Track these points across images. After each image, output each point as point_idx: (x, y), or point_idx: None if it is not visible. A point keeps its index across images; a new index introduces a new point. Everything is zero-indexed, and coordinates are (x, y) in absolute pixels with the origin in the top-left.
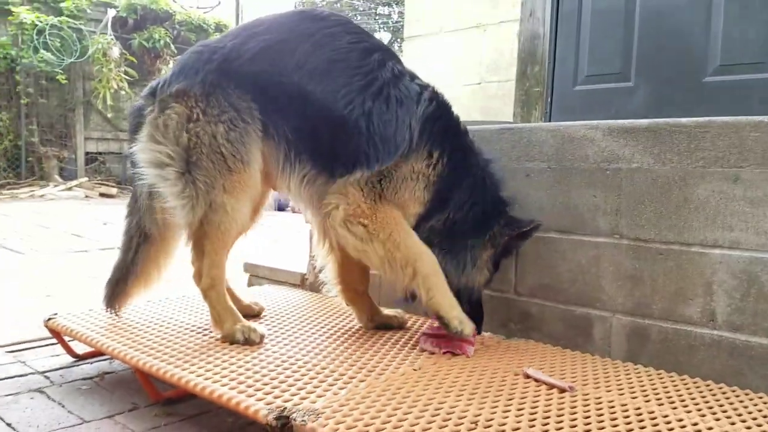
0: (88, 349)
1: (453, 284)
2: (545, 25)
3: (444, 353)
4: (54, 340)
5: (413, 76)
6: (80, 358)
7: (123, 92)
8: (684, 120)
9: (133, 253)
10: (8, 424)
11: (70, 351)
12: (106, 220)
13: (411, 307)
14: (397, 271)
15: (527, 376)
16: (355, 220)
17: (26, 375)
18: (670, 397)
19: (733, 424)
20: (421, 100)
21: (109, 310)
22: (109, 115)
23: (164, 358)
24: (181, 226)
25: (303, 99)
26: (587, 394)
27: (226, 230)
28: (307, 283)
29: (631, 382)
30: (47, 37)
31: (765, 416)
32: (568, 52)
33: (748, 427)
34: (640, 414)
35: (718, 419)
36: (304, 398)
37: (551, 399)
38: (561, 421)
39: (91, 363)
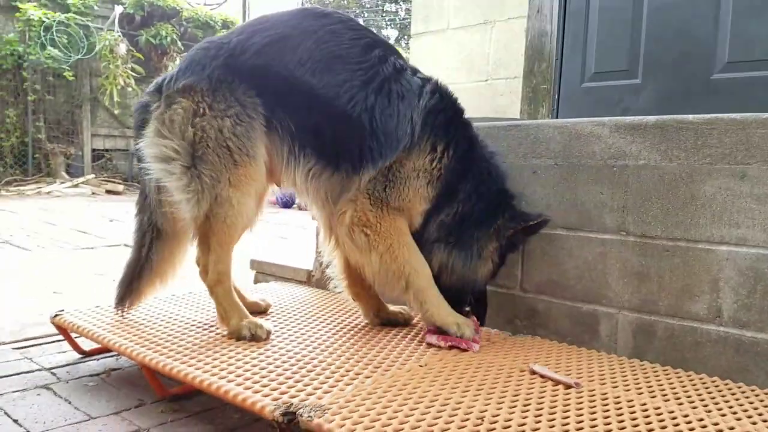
0: (95, 346)
1: (458, 277)
2: (552, 22)
3: (449, 348)
4: (61, 337)
5: (415, 71)
6: (87, 354)
7: (130, 89)
8: (691, 117)
9: (146, 250)
10: (15, 421)
11: (76, 347)
12: (112, 217)
13: None
14: (390, 282)
15: (533, 373)
16: (358, 229)
17: (33, 371)
18: (677, 394)
19: (738, 420)
20: (423, 93)
21: (120, 309)
22: (116, 112)
23: (171, 355)
24: (186, 221)
25: (306, 94)
26: (593, 391)
27: (232, 224)
28: (314, 280)
29: (638, 379)
30: (54, 33)
31: None
32: (575, 49)
33: (754, 423)
34: (647, 410)
35: (724, 415)
36: (310, 394)
37: (557, 395)
38: (567, 417)
39: (98, 359)
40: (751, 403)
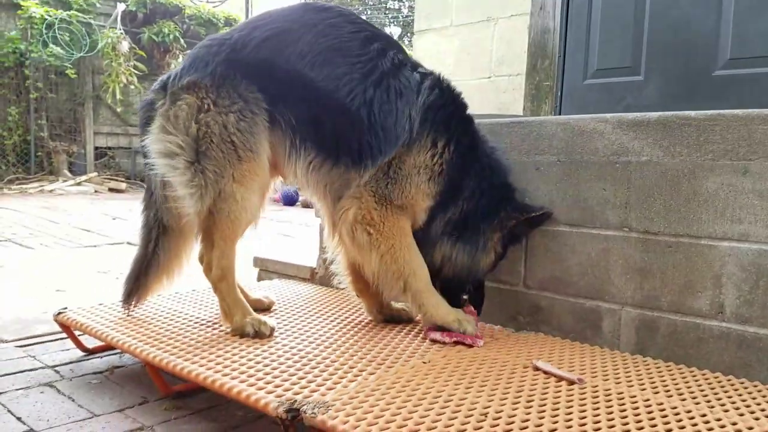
0: (98, 344)
1: (462, 268)
2: (555, 19)
3: (454, 343)
4: (64, 335)
5: (416, 66)
6: (90, 352)
7: (132, 87)
8: (693, 113)
9: (153, 246)
10: (18, 418)
11: (80, 345)
12: (115, 215)
13: None
14: (389, 282)
15: (537, 369)
16: (361, 227)
17: (36, 369)
18: (679, 389)
19: (741, 415)
20: (421, 90)
21: (126, 305)
22: (118, 110)
23: (174, 352)
24: (190, 216)
25: (306, 87)
26: (596, 387)
27: (235, 219)
28: (317, 277)
29: (640, 375)
30: (56, 31)
31: None
32: (578, 45)
33: (756, 418)
34: (649, 406)
35: (726, 411)
36: (314, 391)
37: (560, 391)
38: (570, 414)
39: (101, 357)
40: (753, 398)
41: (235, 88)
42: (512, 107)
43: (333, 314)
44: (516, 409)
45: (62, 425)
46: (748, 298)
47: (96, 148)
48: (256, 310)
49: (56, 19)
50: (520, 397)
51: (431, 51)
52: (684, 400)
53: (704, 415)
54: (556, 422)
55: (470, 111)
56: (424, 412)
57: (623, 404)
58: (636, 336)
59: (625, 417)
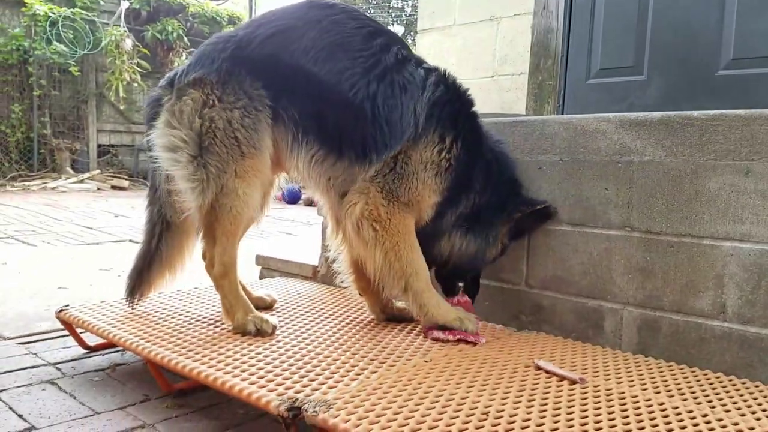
0: (100, 341)
1: (469, 258)
2: (558, 19)
3: (457, 341)
4: (66, 332)
5: (420, 61)
6: (92, 349)
7: (136, 84)
8: (696, 113)
9: (156, 241)
10: (20, 416)
11: (81, 343)
12: (118, 213)
13: None
14: (391, 281)
15: (538, 368)
16: (367, 223)
17: (38, 366)
18: (681, 389)
19: (743, 415)
20: (426, 86)
21: (130, 301)
22: (121, 108)
23: (176, 350)
24: (191, 211)
25: (309, 82)
26: (598, 386)
27: (237, 214)
28: (319, 276)
29: (642, 374)
30: (60, 28)
31: None
32: (581, 45)
33: (758, 419)
34: (651, 406)
35: (728, 411)
36: (315, 389)
37: (562, 390)
38: (572, 413)
39: (103, 354)
40: (755, 399)
41: (240, 84)
42: (515, 106)
43: (335, 313)
44: (517, 408)
45: (63, 422)
46: (750, 299)
47: (99, 146)
48: (258, 308)
49: (60, 16)
50: (522, 396)
51: (434, 50)
52: (685, 400)
53: (705, 415)
54: (558, 422)
55: (474, 107)
56: (425, 411)
57: (625, 404)
58: (638, 336)
59: (627, 417)
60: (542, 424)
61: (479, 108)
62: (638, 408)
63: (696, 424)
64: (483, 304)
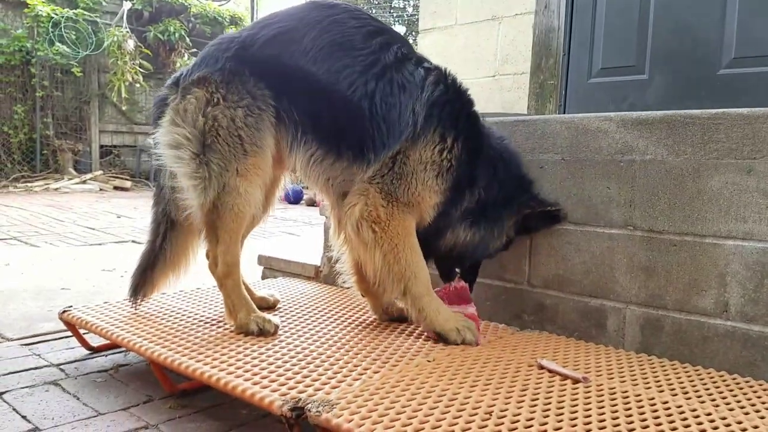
0: (103, 342)
1: (473, 249)
2: (560, 18)
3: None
4: (69, 333)
5: (420, 60)
6: (95, 350)
7: (138, 85)
8: (697, 112)
9: (161, 240)
10: (23, 417)
11: (84, 343)
12: (120, 213)
13: None
14: (390, 284)
15: (541, 367)
16: (366, 224)
17: (41, 368)
18: (684, 388)
19: (747, 414)
20: (425, 86)
21: (133, 300)
22: (123, 108)
23: (179, 350)
24: (194, 209)
25: (308, 81)
26: (601, 385)
27: (239, 212)
28: (322, 276)
29: (645, 373)
30: (63, 29)
31: None
32: (582, 44)
33: (762, 417)
34: (654, 405)
35: (732, 409)
36: (318, 389)
37: (565, 390)
38: (575, 412)
39: (106, 355)
40: (759, 397)
41: (243, 83)
42: (517, 106)
43: (337, 313)
44: (520, 407)
45: (67, 423)
46: (752, 297)
47: (101, 147)
48: (260, 308)
49: (62, 17)
50: (525, 395)
51: (436, 50)
52: (689, 398)
53: (709, 414)
54: (561, 421)
55: (474, 105)
56: (428, 411)
57: (628, 403)
58: (641, 334)
59: (630, 416)
60: (545, 424)
61: (481, 108)
62: (642, 407)
63: (699, 423)
64: (485, 304)
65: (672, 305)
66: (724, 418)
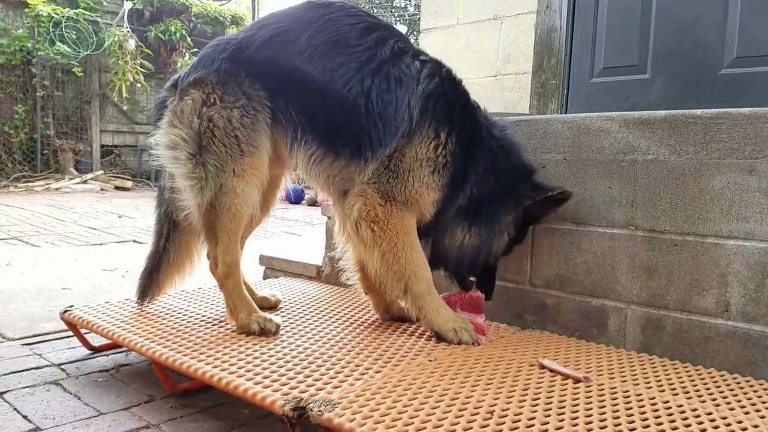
0: (104, 341)
1: (473, 251)
2: (562, 18)
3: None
4: (70, 333)
5: (417, 53)
6: (96, 350)
7: (139, 85)
8: (699, 111)
9: (164, 241)
10: (24, 417)
11: (86, 343)
12: (121, 213)
13: None
14: (390, 282)
15: (542, 367)
16: (365, 224)
17: (42, 367)
18: (685, 388)
19: (747, 413)
20: (420, 78)
21: (141, 301)
22: (124, 108)
23: (180, 350)
24: (191, 209)
25: (304, 81)
26: (602, 385)
27: (237, 212)
28: (323, 276)
29: (646, 373)
30: (63, 29)
31: None
32: (584, 44)
33: (762, 417)
34: (655, 404)
35: (732, 409)
36: (320, 389)
37: (566, 389)
38: (576, 411)
39: (107, 355)
40: (759, 397)
41: (239, 85)
42: (518, 105)
43: (339, 312)
44: (522, 407)
45: (68, 423)
46: (753, 297)
47: (102, 146)
48: (262, 308)
49: (63, 17)
50: (526, 395)
51: (438, 49)
52: (689, 398)
53: (709, 414)
54: (562, 420)
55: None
56: (430, 410)
57: (629, 402)
58: (642, 334)
59: (631, 415)
60: (546, 423)
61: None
62: (642, 406)
63: (700, 423)
64: (487, 304)
65: (673, 305)
66: (724, 418)
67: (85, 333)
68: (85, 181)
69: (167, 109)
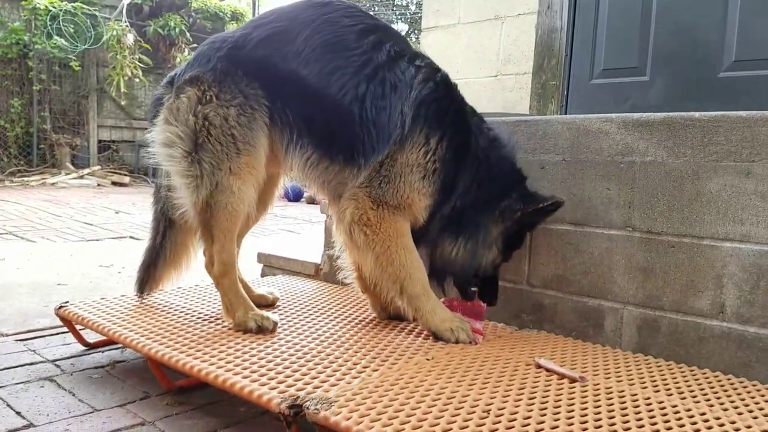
0: (100, 338)
1: (462, 264)
2: (563, 19)
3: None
4: (65, 329)
5: (413, 57)
6: (91, 346)
7: (137, 80)
8: (698, 114)
9: (161, 238)
10: (18, 413)
11: (81, 340)
12: (118, 209)
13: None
14: (385, 284)
15: (539, 366)
16: (358, 228)
17: (37, 363)
18: (680, 388)
19: (740, 414)
20: (414, 84)
21: (140, 293)
22: (122, 103)
23: (176, 347)
24: (187, 207)
25: (300, 85)
26: (598, 385)
27: (233, 210)
28: (322, 274)
29: (642, 373)
30: (61, 23)
31: None
32: (584, 45)
33: (755, 417)
34: (650, 404)
35: (726, 410)
36: (317, 387)
37: (562, 389)
38: (572, 411)
39: (103, 352)
40: (752, 398)
41: (236, 83)
42: (518, 106)
43: (337, 311)
44: (518, 406)
45: (62, 420)
46: (748, 299)
47: (99, 141)
48: (259, 306)
49: (61, 10)
50: (523, 394)
51: (439, 48)
52: (684, 398)
53: (703, 414)
54: (558, 420)
55: (464, 102)
56: (426, 409)
57: (624, 402)
58: (638, 335)
59: (626, 415)
60: (542, 422)
61: (483, 107)
62: (637, 406)
63: (694, 423)
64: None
65: (669, 306)
66: (718, 418)
67: (80, 329)
68: (81, 177)
69: (163, 106)
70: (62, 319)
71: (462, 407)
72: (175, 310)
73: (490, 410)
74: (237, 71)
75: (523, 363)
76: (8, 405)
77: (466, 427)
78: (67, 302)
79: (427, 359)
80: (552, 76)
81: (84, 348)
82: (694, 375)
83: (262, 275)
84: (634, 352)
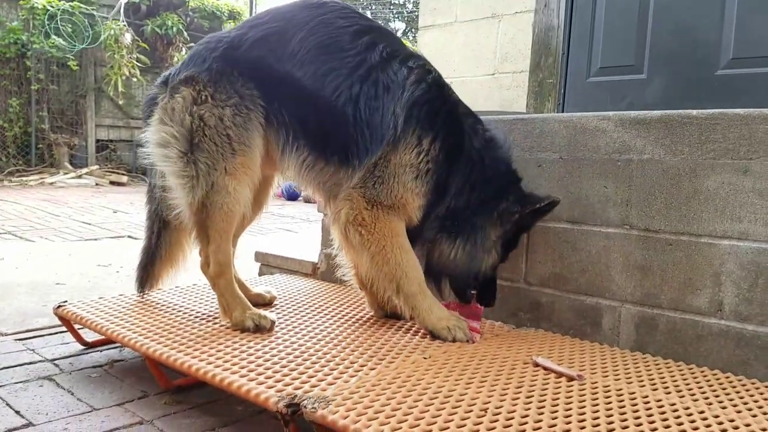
0: (98, 337)
1: (461, 267)
2: (559, 17)
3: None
4: (64, 328)
5: (406, 58)
6: (90, 346)
7: (135, 79)
8: (695, 112)
9: (156, 238)
10: (17, 412)
11: (79, 339)
12: (116, 208)
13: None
14: (381, 284)
15: (537, 365)
16: (353, 228)
17: (35, 363)
18: (678, 386)
19: (739, 412)
20: (406, 85)
21: (141, 291)
22: (120, 102)
23: (174, 346)
24: (182, 208)
25: (295, 86)
26: (596, 383)
27: (229, 211)
28: (319, 273)
29: (639, 371)
30: (59, 22)
31: None
32: (581, 43)
33: (754, 415)
34: (648, 402)
35: (724, 407)
36: (314, 386)
37: (560, 387)
38: (569, 409)
39: (101, 351)
40: (751, 395)
41: (231, 83)
42: (515, 104)
43: (334, 309)
44: (516, 405)
45: (61, 419)
46: (746, 296)
47: (97, 141)
48: (257, 305)
49: (59, 10)
50: (520, 393)
51: (436, 47)
52: (682, 397)
53: (702, 412)
54: (556, 418)
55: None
56: (424, 408)
57: (622, 401)
58: (636, 333)
59: (624, 414)
60: (540, 421)
61: (480, 106)
62: (636, 405)
63: (692, 421)
64: None
65: (667, 304)
66: (716, 416)
67: (78, 328)
68: (80, 176)
69: (158, 106)
70: (61, 318)
71: (459, 406)
72: (173, 309)
73: (487, 409)
74: (232, 71)
75: (520, 361)
76: (7, 404)
77: (464, 425)
78: (66, 302)
79: (425, 358)
80: (549, 75)
81: (82, 347)
82: (692, 373)
83: (260, 274)
84: (632, 350)
